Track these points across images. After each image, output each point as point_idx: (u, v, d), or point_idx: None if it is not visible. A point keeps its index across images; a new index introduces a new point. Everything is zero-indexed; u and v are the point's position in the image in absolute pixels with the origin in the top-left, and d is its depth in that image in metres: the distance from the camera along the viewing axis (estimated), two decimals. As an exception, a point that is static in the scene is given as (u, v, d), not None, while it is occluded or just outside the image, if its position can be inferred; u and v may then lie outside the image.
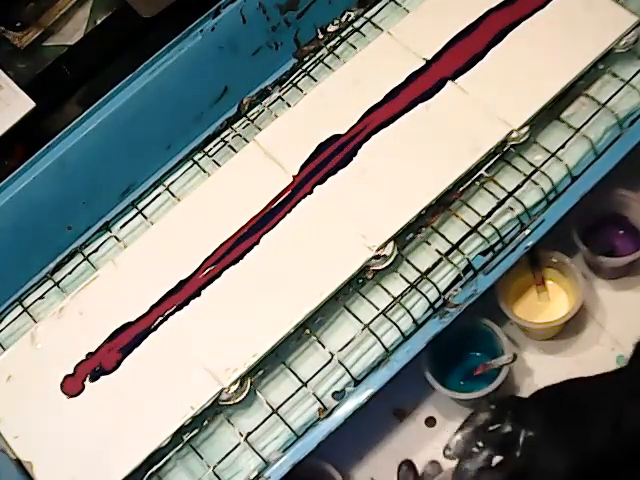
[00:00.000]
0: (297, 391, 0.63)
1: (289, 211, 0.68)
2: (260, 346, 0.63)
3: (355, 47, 0.77)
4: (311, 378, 0.63)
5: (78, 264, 0.73)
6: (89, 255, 0.73)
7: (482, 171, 0.67)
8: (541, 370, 0.72)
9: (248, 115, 0.77)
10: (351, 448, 0.71)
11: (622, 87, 0.69)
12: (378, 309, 0.64)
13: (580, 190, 0.66)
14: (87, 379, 0.65)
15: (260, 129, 0.74)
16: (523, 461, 0.51)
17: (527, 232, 0.65)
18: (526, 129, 0.68)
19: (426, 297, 0.64)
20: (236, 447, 0.62)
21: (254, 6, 0.74)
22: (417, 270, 0.65)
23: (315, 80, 0.77)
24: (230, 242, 0.68)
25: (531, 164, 0.68)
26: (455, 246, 0.65)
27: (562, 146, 0.68)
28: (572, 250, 0.73)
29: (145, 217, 0.74)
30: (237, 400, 0.62)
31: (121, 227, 0.74)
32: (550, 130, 0.70)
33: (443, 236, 0.66)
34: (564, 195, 0.66)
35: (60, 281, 0.73)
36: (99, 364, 0.65)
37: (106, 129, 0.72)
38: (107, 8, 0.90)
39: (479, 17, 0.73)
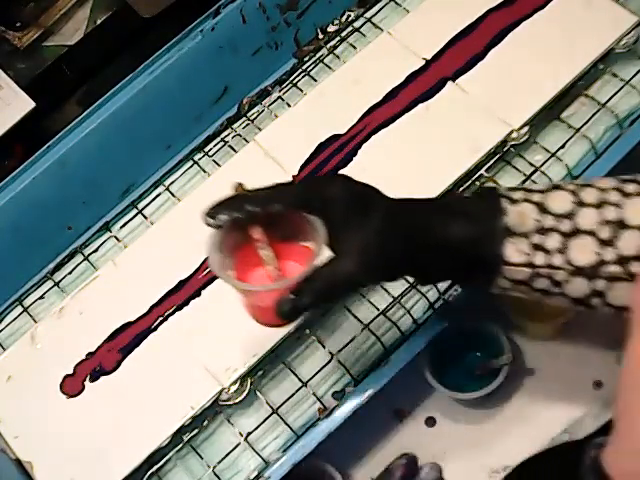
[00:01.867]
0: (297, 391, 0.63)
1: (289, 211, 0.68)
2: (260, 346, 0.63)
3: (355, 47, 0.77)
4: (311, 378, 0.63)
5: (78, 264, 0.73)
6: (89, 255, 0.73)
7: (482, 171, 0.67)
8: (541, 370, 0.72)
9: (248, 115, 0.77)
10: (351, 448, 0.71)
11: (622, 87, 0.69)
12: (378, 309, 0.64)
13: (580, 190, 0.66)
14: (87, 379, 0.65)
15: (260, 129, 0.74)
16: None
17: (527, 232, 0.65)
18: (526, 129, 0.68)
19: (426, 297, 0.64)
20: (236, 447, 0.62)
21: (254, 6, 0.74)
22: (417, 270, 0.65)
23: (315, 80, 0.77)
24: (230, 242, 0.68)
25: (531, 164, 0.68)
26: (455, 246, 0.65)
27: (562, 146, 0.68)
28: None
29: (145, 217, 0.74)
30: (237, 400, 0.62)
31: (121, 227, 0.74)
32: (550, 130, 0.70)
33: (443, 236, 0.66)
34: (564, 195, 0.66)
35: (60, 281, 0.73)
36: (99, 364, 0.65)
37: (106, 129, 0.72)
38: (107, 8, 0.90)
39: (479, 17, 0.73)
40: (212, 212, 0.49)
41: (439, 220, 0.49)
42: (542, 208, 0.48)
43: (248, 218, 0.49)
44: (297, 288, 0.48)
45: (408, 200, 0.51)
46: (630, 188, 0.48)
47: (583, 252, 0.47)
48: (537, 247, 0.48)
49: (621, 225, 0.47)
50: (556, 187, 0.50)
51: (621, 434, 0.41)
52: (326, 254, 0.49)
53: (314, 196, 0.49)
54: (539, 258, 0.48)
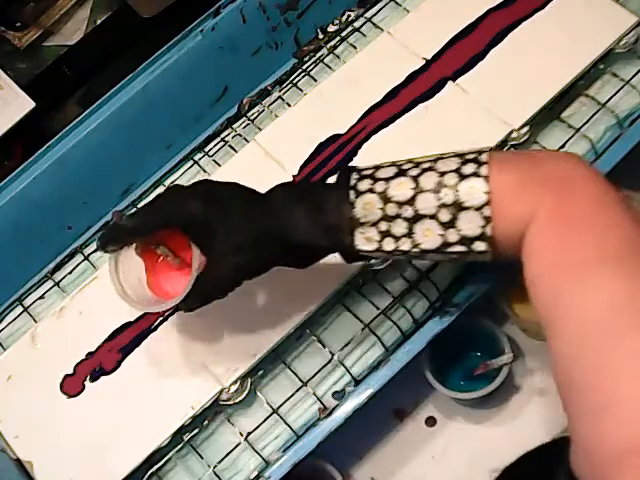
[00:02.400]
0: (297, 391, 0.63)
1: (289, 211, 0.68)
2: (260, 346, 0.63)
3: (355, 47, 0.77)
4: (311, 378, 0.63)
5: (78, 264, 0.73)
6: (89, 255, 0.73)
7: (482, 171, 0.67)
8: (541, 370, 0.72)
9: (248, 115, 0.77)
10: (351, 448, 0.71)
11: (622, 87, 0.69)
12: (378, 309, 0.64)
13: (580, 190, 0.66)
14: (87, 379, 0.65)
15: (260, 129, 0.74)
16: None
17: (527, 232, 0.65)
18: (526, 129, 0.68)
19: (426, 297, 0.64)
20: (236, 447, 0.62)
21: (254, 6, 0.74)
22: (417, 270, 0.65)
23: (315, 80, 0.77)
24: (230, 242, 0.67)
25: (531, 164, 0.68)
26: (455, 246, 0.65)
27: (562, 146, 0.68)
28: (572, 250, 0.73)
29: (145, 217, 0.74)
30: (237, 400, 0.62)
31: (121, 227, 0.74)
32: (550, 130, 0.70)
33: (443, 236, 0.66)
34: (564, 195, 0.66)
35: (60, 281, 0.73)
36: (99, 364, 0.65)
37: (106, 129, 0.72)
38: (107, 8, 0.90)
39: (479, 17, 0.73)
40: (101, 247, 0.56)
41: (294, 218, 0.53)
42: (385, 197, 0.51)
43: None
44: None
45: (268, 197, 0.55)
46: (468, 169, 0.49)
47: (428, 236, 0.50)
48: (385, 234, 0.51)
49: (458, 207, 0.49)
50: (400, 173, 0.51)
51: (572, 434, 0.42)
52: None
53: (174, 217, 0.54)
54: (388, 244, 0.51)
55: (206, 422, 0.63)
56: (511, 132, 0.67)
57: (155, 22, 0.86)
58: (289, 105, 0.75)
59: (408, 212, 0.50)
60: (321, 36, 0.79)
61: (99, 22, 0.90)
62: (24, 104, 0.79)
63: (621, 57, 0.71)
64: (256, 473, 0.61)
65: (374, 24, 0.78)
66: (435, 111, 0.70)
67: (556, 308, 0.44)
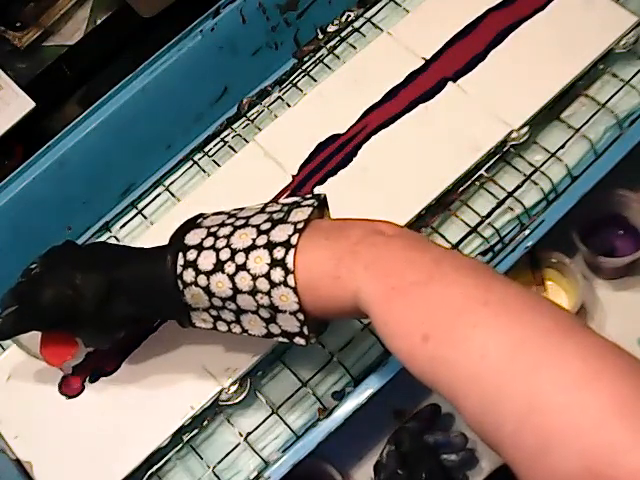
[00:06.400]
0: (297, 391, 0.63)
1: (289, 211, 0.68)
2: (260, 346, 0.63)
3: (355, 47, 0.77)
4: (311, 378, 0.63)
5: (78, 264, 0.73)
6: (89, 255, 0.73)
7: (482, 171, 0.67)
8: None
9: (248, 115, 0.77)
10: (351, 448, 0.71)
11: (622, 87, 0.69)
12: (378, 309, 0.64)
13: (580, 190, 0.66)
14: (87, 380, 0.65)
15: (260, 129, 0.74)
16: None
17: (527, 232, 0.65)
18: (526, 129, 0.68)
19: (426, 297, 0.64)
20: (236, 447, 0.62)
21: (254, 6, 0.74)
22: (417, 270, 0.65)
23: (315, 80, 0.77)
24: (230, 242, 0.67)
25: (531, 164, 0.68)
26: (455, 246, 0.65)
27: (562, 146, 0.68)
28: (572, 250, 0.73)
29: (145, 217, 0.74)
30: (237, 400, 0.62)
31: (121, 227, 0.74)
32: (550, 130, 0.70)
33: (443, 236, 0.66)
34: (564, 195, 0.66)
35: (60, 281, 0.72)
36: (99, 364, 0.65)
37: (106, 129, 0.72)
38: (107, 8, 0.90)
39: (479, 17, 0.73)
40: None
41: (138, 303, 0.55)
42: (209, 292, 0.52)
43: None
44: None
45: (122, 280, 0.55)
46: (276, 276, 0.49)
47: (254, 326, 0.52)
48: (217, 318, 0.53)
49: (275, 309, 0.50)
50: (217, 266, 0.51)
51: (516, 473, 0.40)
52: None
53: (30, 324, 0.57)
54: (221, 326, 0.54)
55: (206, 422, 0.63)
56: (511, 132, 0.68)
57: (155, 22, 0.86)
58: (289, 105, 0.75)
59: (232, 306, 0.51)
60: (321, 36, 0.79)
61: (99, 22, 0.90)
62: (24, 104, 0.79)
63: (621, 57, 0.71)
64: (256, 473, 0.61)
65: (374, 24, 0.78)
66: (435, 111, 0.70)
67: (445, 375, 0.42)
